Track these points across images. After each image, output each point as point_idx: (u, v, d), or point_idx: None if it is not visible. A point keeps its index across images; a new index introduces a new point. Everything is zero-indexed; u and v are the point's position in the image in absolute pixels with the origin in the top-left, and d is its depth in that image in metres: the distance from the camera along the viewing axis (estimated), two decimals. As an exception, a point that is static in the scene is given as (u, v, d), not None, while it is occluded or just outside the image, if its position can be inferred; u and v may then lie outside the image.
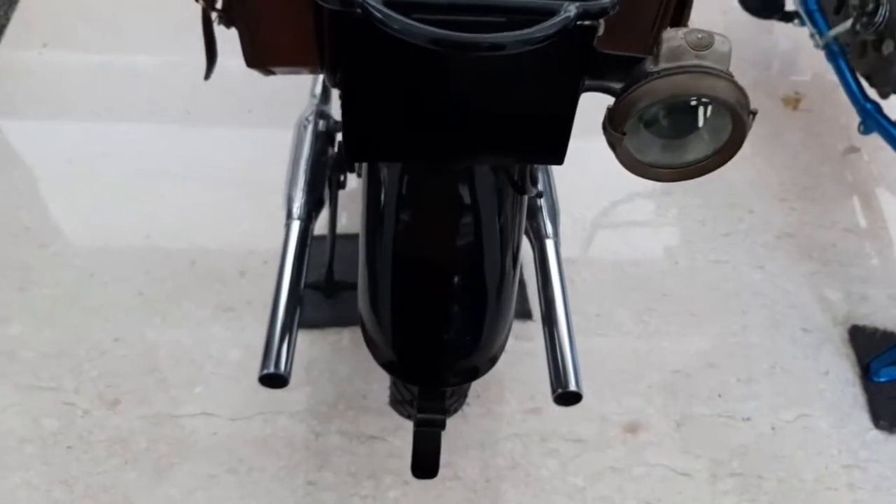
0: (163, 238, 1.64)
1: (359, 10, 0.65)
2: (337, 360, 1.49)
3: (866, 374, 1.55)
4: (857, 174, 1.92)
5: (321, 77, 1.42)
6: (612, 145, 0.72)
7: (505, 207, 0.93)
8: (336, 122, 1.34)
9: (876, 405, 1.52)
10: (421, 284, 0.92)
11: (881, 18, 1.51)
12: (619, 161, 0.73)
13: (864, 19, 1.54)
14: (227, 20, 0.85)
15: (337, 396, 1.45)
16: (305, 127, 1.29)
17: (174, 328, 1.51)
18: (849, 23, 1.60)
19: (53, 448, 1.35)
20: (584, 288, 1.64)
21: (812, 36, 1.78)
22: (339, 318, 1.53)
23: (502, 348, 0.98)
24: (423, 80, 0.72)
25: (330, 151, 1.30)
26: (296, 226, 1.14)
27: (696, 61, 0.67)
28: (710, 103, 0.70)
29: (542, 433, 1.43)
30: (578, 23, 0.66)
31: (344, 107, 0.76)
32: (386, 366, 0.96)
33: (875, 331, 1.63)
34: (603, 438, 1.44)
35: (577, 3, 0.66)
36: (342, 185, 1.32)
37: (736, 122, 0.70)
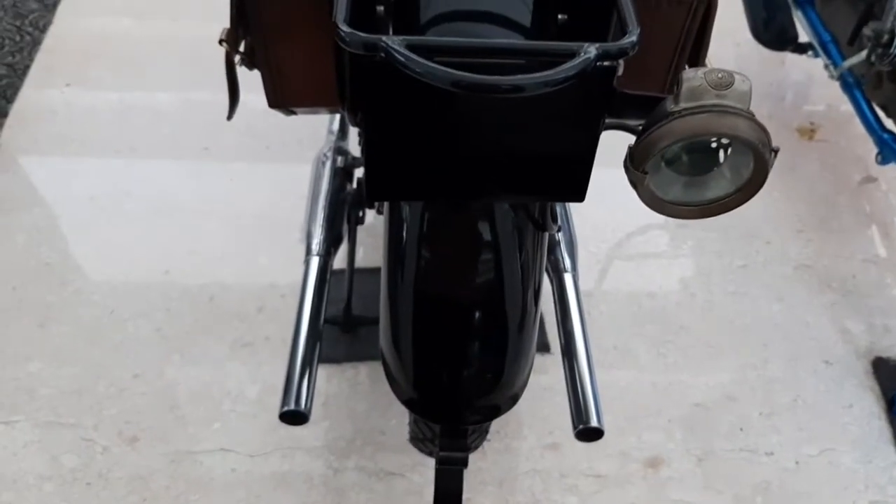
0: (182, 274, 1.65)
1: (382, 55, 0.66)
2: (354, 395, 1.49)
3: (891, 406, 1.53)
4: (875, 204, 1.91)
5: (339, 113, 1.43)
6: (634, 184, 0.73)
7: (526, 244, 0.94)
8: (354, 158, 1.35)
9: (902, 439, 1.50)
10: (443, 322, 0.92)
11: (896, 50, 1.52)
12: (640, 199, 0.73)
13: (879, 51, 1.54)
14: (249, 63, 0.86)
15: (354, 432, 1.44)
16: (324, 163, 1.31)
17: (193, 364, 1.51)
18: (863, 54, 1.60)
19: (73, 485, 1.35)
20: (600, 321, 1.63)
21: (826, 67, 1.79)
22: (357, 354, 1.53)
23: (524, 386, 0.98)
24: (445, 121, 0.73)
25: (348, 188, 1.31)
26: (315, 262, 1.14)
27: (716, 100, 0.68)
28: (731, 142, 0.70)
29: (562, 469, 1.42)
30: (598, 64, 0.67)
31: (365, 147, 0.77)
32: (408, 403, 0.96)
33: (899, 363, 1.61)
34: (623, 474, 1.42)
35: (597, 45, 0.67)
36: (361, 221, 1.33)
37: (758, 160, 0.70)
